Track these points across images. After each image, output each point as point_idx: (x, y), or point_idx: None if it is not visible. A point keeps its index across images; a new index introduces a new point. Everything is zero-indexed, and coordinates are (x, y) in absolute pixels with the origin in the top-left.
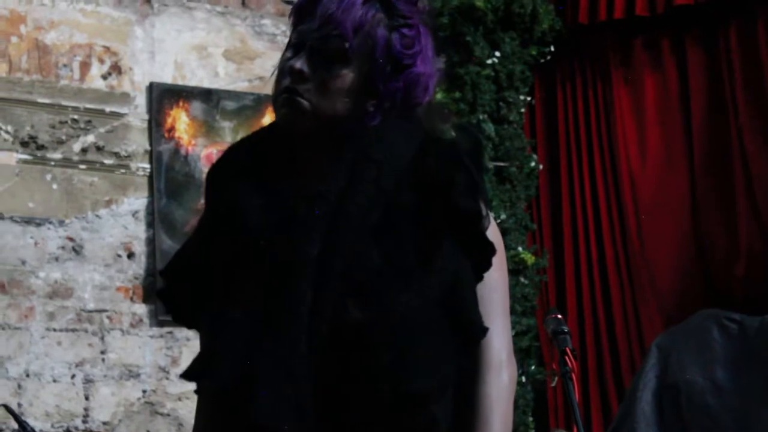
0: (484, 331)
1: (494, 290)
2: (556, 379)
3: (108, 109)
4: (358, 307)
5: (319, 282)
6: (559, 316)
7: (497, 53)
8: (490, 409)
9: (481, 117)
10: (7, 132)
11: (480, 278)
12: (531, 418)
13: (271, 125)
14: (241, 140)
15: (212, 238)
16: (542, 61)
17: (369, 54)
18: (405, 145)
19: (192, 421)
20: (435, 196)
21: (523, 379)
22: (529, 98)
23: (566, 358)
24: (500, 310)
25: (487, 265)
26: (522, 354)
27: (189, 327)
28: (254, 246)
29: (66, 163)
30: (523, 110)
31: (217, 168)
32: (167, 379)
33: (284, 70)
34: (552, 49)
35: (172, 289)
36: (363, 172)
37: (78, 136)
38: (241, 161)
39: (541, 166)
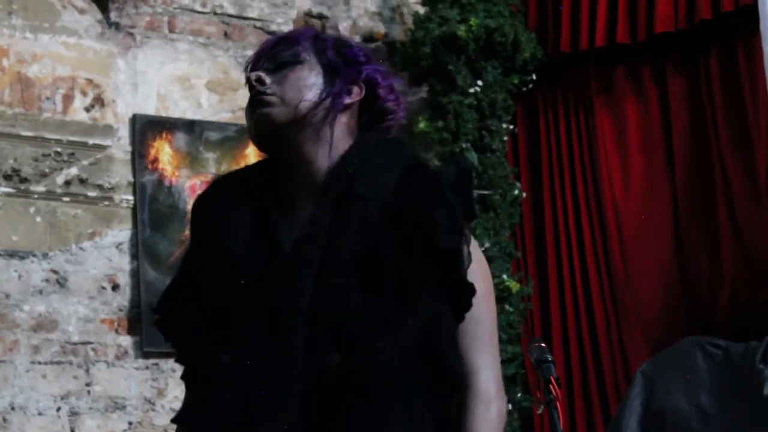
0: (461, 377)
1: (480, 324)
2: (542, 407)
3: (91, 141)
4: (338, 351)
5: (310, 334)
6: (543, 344)
7: (479, 82)
8: None
9: (464, 146)
10: None
11: (461, 318)
12: None
13: (256, 163)
14: (226, 175)
15: (198, 274)
16: (524, 89)
17: (320, 55)
18: (387, 171)
19: None
20: (415, 233)
21: (510, 406)
22: (511, 126)
23: (550, 386)
24: (487, 343)
25: (468, 306)
26: (508, 382)
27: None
28: (241, 287)
29: (49, 195)
30: (505, 138)
31: (200, 203)
32: (153, 410)
33: (248, 82)
34: (534, 77)
35: (167, 324)
36: (348, 208)
37: (61, 169)
38: (225, 197)
39: (524, 194)
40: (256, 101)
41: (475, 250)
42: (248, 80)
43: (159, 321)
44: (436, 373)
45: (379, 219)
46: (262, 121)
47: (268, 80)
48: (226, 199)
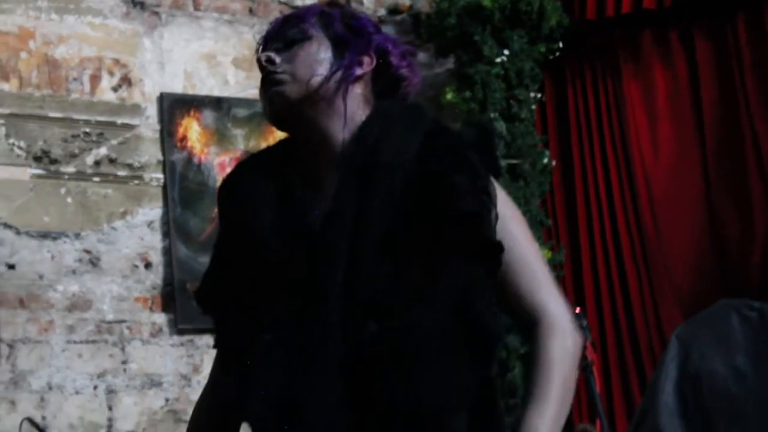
0: (498, 336)
1: (531, 263)
2: (578, 373)
3: (119, 121)
4: (373, 325)
5: (345, 307)
6: (578, 309)
7: (506, 51)
8: (551, 370)
9: (492, 115)
10: (20, 147)
11: (494, 278)
12: None
13: (278, 142)
14: (249, 157)
15: (230, 256)
16: (551, 57)
17: (328, 29)
18: (408, 139)
19: None
20: (438, 201)
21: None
22: (539, 95)
23: (586, 351)
24: (546, 280)
25: (498, 265)
26: None
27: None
28: (271, 265)
29: (80, 176)
30: (533, 107)
31: (226, 186)
32: (189, 386)
33: (259, 63)
34: (560, 45)
35: (206, 298)
36: (373, 178)
37: (90, 149)
38: (249, 178)
39: (553, 162)
40: (268, 81)
41: (505, 203)
42: (259, 62)
43: (198, 296)
44: (473, 333)
45: (402, 187)
46: (276, 100)
47: (278, 59)
48: (250, 179)
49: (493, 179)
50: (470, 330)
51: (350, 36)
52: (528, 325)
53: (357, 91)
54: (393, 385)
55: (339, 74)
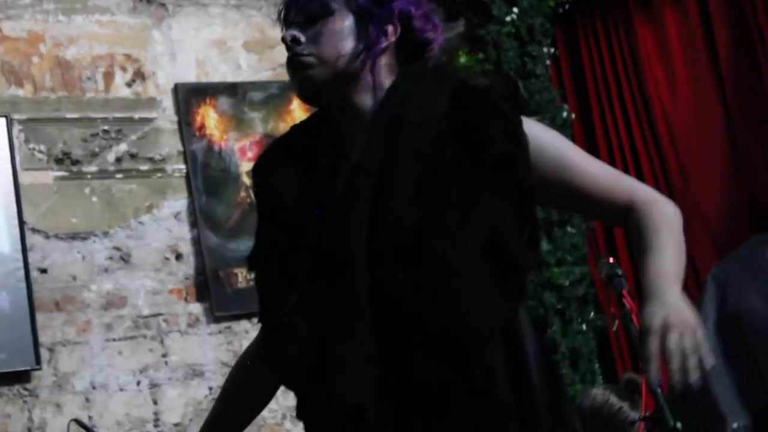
0: (526, 267)
1: (594, 166)
2: (617, 323)
3: (136, 115)
4: (401, 269)
5: (373, 257)
6: (612, 260)
7: (515, 9)
8: (661, 226)
9: (509, 73)
10: (40, 151)
11: (526, 222)
12: (597, 365)
13: (307, 118)
14: (284, 134)
15: (268, 233)
16: (561, 11)
17: (350, 1)
18: (436, 98)
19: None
20: (473, 147)
21: (584, 326)
22: (552, 50)
23: (623, 300)
24: (615, 174)
25: (532, 208)
26: (580, 302)
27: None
28: (301, 230)
29: (102, 174)
30: (548, 63)
31: (259, 162)
32: None
33: (284, 42)
34: None
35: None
36: (400, 136)
37: (111, 146)
38: (281, 152)
39: (573, 115)
40: (295, 63)
41: (545, 130)
42: (284, 40)
43: (248, 263)
44: (502, 265)
45: (434, 143)
46: (306, 84)
47: (302, 38)
48: (280, 154)
49: (524, 119)
50: (499, 262)
51: (372, 6)
52: (622, 217)
53: (383, 61)
54: (423, 318)
55: (366, 52)
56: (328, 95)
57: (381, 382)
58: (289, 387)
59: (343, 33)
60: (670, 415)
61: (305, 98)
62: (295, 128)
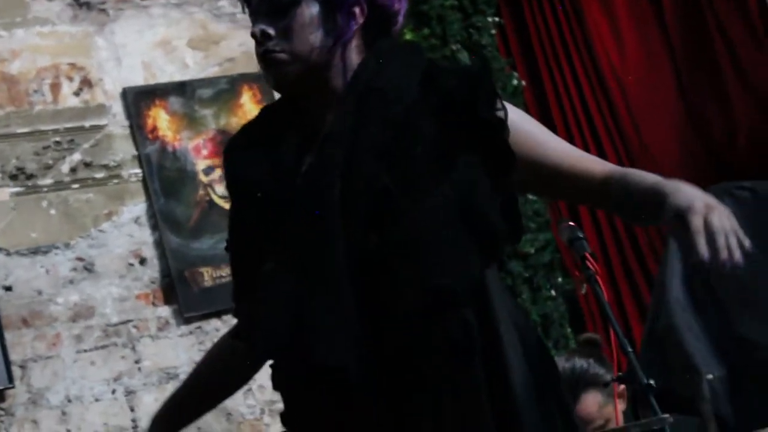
0: (501, 232)
1: (563, 147)
2: (585, 286)
3: (87, 124)
4: (374, 230)
5: (348, 226)
6: (572, 223)
7: None
8: (644, 174)
9: (454, 48)
10: None
11: (502, 189)
12: (569, 329)
13: (279, 99)
14: (254, 117)
15: (238, 211)
16: None
17: None
18: (407, 71)
19: (239, 408)
20: (452, 112)
21: (553, 292)
22: (497, 19)
23: (587, 262)
24: (576, 151)
25: (509, 174)
26: (546, 269)
27: None
28: (272, 204)
29: (58, 186)
30: (494, 32)
31: (228, 146)
32: None
33: (254, 37)
34: None
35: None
36: (369, 105)
37: (64, 157)
38: (250, 135)
39: (523, 83)
40: (268, 60)
41: (523, 115)
42: (253, 35)
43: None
44: (477, 225)
45: (405, 111)
46: (281, 80)
47: (272, 32)
48: (248, 138)
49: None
50: (474, 222)
51: None
52: (600, 193)
53: (353, 44)
54: (397, 276)
55: (337, 41)
56: (304, 86)
57: (361, 343)
58: (267, 355)
59: (312, 25)
60: (642, 372)
61: (280, 91)
62: (265, 110)
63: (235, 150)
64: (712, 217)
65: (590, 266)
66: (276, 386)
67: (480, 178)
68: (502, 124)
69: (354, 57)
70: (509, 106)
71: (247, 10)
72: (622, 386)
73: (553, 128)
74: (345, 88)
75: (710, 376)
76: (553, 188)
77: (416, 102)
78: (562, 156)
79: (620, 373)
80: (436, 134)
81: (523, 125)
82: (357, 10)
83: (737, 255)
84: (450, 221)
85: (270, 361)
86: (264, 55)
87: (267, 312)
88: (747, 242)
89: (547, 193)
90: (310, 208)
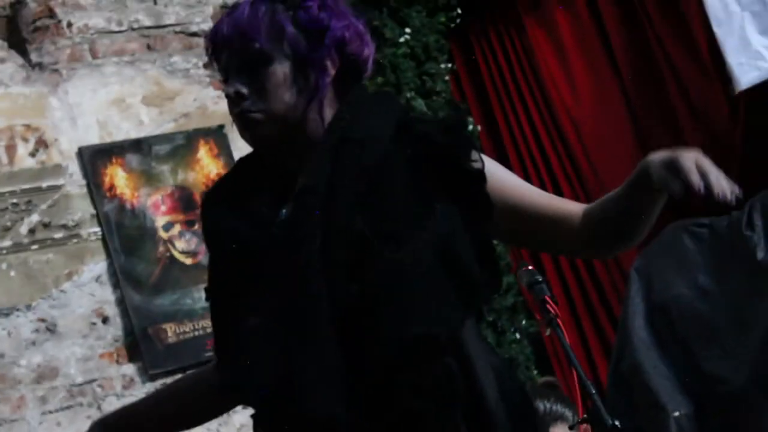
0: (484, 282)
1: (536, 190)
2: (549, 329)
3: (44, 184)
4: (354, 279)
5: (329, 276)
6: (531, 267)
7: (407, 29)
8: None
9: (408, 95)
10: None
11: (479, 238)
12: (536, 371)
13: (253, 151)
14: (230, 169)
15: (216, 262)
16: (452, 26)
17: (283, 41)
18: (382, 120)
19: None
20: (432, 160)
21: (517, 335)
22: (450, 65)
23: (547, 306)
24: (548, 194)
25: (487, 219)
26: (510, 312)
27: None
28: (251, 255)
29: (17, 248)
30: (447, 78)
31: (204, 198)
32: None
33: (228, 98)
34: (459, 11)
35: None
36: (344, 154)
37: (22, 219)
38: (226, 187)
39: (479, 128)
40: (244, 120)
41: (493, 163)
42: (227, 96)
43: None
44: (459, 279)
45: (379, 159)
46: (258, 140)
47: (246, 91)
48: (224, 190)
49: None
50: (454, 271)
51: (308, 47)
52: (576, 232)
53: (328, 96)
54: (379, 324)
55: (312, 99)
56: (281, 143)
57: (348, 392)
58: (254, 405)
59: (286, 83)
60: (607, 414)
61: (258, 149)
62: (240, 162)
63: (211, 202)
64: (701, 159)
65: (551, 309)
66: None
67: (458, 227)
68: (482, 175)
69: (327, 108)
70: (489, 161)
71: (215, 65)
72: (586, 426)
73: (509, 170)
74: (320, 139)
75: (677, 414)
76: (531, 232)
77: (391, 151)
78: (538, 198)
79: (585, 415)
80: (412, 182)
81: (497, 171)
82: (328, 62)
83: (729, 191)
84: (430, 270)
85: (246, 408)
86: (240, 115)
87: (254, 366)
88: (736, 187)
89: (522, 239)
90: (290, 260)
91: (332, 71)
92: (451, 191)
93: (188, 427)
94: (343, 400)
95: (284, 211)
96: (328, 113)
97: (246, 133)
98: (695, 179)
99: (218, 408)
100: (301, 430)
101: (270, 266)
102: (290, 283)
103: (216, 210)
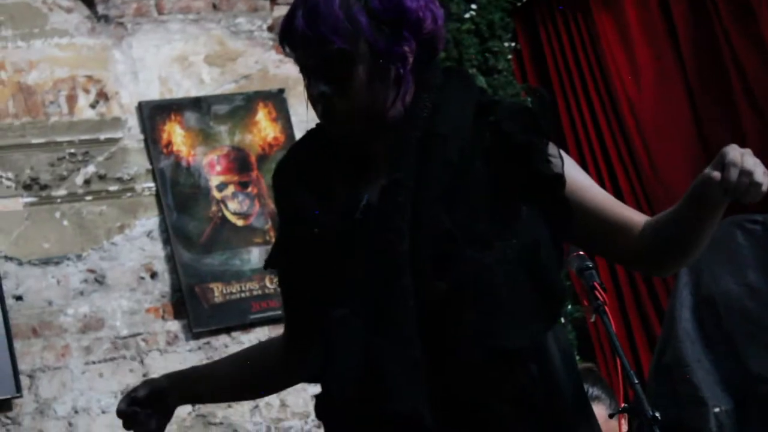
0: (565, 292)
1: (602, 191)
2: (594, 315)
3: (102, 136)
4: (441, 278)
5: (414, 272)
6: (582, 252)
7: (473, 5)
8: None
9: (470, 72)
10: (8, 179)
11: (560, 242)
12: (578, 357)
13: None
14: (301, 140)
15: (293, 242)
16: (519, 5)
17: (361, 38)
18: (462, 108)
19: (245, 425)
20: (512, 160)
21: (562, 320)
22: (513, 44)
23: (596, 292)
24: (615, 200)
25: (568, 229)
26: None
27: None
28: (329, 240)
29: (72, 197)
30: (510, 57)
31: (280, 172)
32: None
33: (311, 98)
34: None
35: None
36: (431, 149)
37: (78, 169)
38: (298, 161)
39: None
40: (330, 120)
41: (570, 161)
42: (311, 97)
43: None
44: (541, 285)
45: (463, 153)
46: (345, 137)
47: (328, 91)
48: (302, 165)
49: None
50: (540, 281)
51: (386, 40)
52: (637, 238)
53: (400, 72)
54: (465, 327)
55: (396, 94)
56: (367, 136)
57: (431, 390)
58: (339, 398)
59: (369, 81)
60: (648, 404)
61: (343, 144)
62: (312, 134)
63: (285, 177)
64: (746, 154)
65: (599, 296)
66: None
67: (543, 234)
68: (560, 180)
69: (408, 94)
70: (567, 159)
71: (289, 53)
72: (622, 416)
73: (566, 152)
74: (403, 126)
75: (717, 410)
76: (591, 235)
77: (472, 141)
78: (605, 202)
79: (626, 404)
80: (493, 177)
81: (571, 172)
82: (407, 50)
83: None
84: (517, 277)
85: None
86: (325, 115)
87: (340, 358)
88: None
89: (579, 240)
90: (378, 252)
91: (411, 58)
92: (531, 191)
93: (251, 397)
94: (427, 398)
95: (365, 197)
96: (408, 97)
97: (332, 130)
98: (732, 174)
99: (284, 382)
100: (385, 424)
101: (356, 256)
102: (378, 277)
103: (292, 188)
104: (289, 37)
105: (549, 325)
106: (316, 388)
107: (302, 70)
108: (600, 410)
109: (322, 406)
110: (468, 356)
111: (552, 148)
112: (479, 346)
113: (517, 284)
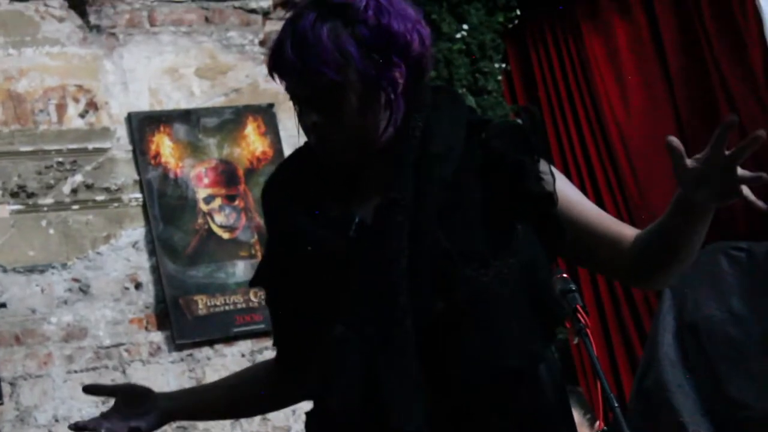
0: (564, 311)
1: (594, 206)
2: (577, 337)
3: (90, 146)
4: (441, 297)
5: (412, 291)
6: (565, 275)
7: (465, 26)
8: None
9: (459, 91)
10: None
11: (554, 259)
12: None
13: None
14: (290, 157)
15: (284, 260)
16: (510, 26)
17: (350, 66)
18: (454, 127)
19: None
20: (504, 179)
21: None
22: (504, 65)
23: (578, 315)
24: (606, 214)
25: (560, 247)
26: None
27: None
28: (322, 259)
29: (58, 206)
30: (500, 78)
31: (269, 190)
32: None
33: (304, 127)
34: (518, 12)
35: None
36: (427, 169)
37: (66, 178)
38: (288, 179)
39: None
40: (323, 149)
41: (562, 177)
42: (304, 127)
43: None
44: (540, 304)
45: (456, 172)
46: (341, 165)
47: (320, 121)
48: (293, 183)
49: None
50: (538, 299)
51: (376, 67)
52: (632, 251)
53: (391, 97)
54: (464, 346)
55: (390, 119)
56: (361, 161)
57: (432, 408)
58: (340, 416)
59: (360, 108)
60: (627, 428)
61: (336, 169)
62: (300, 152)
63: (275, 194)
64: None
65: (581, 319)
66: None
67: (539, 252)
68: (551, 198)
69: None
70: (558, 175)
71: (278, 81)
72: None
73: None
74: (396, 147)
75: None
76: (581, 249)
77: (465, 159)
78: (595, 216)
79: (605, 428)
80: (487, 195)
81: (563, 188)
82: (397, 74)
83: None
84: (515, 296)
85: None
86: (319, 144)
87: (341, 376)
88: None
89: (568, 254)
90: (376, 271)
91: (401, 81)
92: (524, 209)
93: (249, 413)
94: (427, 416)
95: (357, 216)
96: (399, 119)
97: (326, 159)
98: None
99: (280, 402)
100: None
101: (351, 275)
102: (376, 295)
103: (283, 205)
104: (279, 67)
105: (548, 343)
106: (300, 404)
107: (293, 99)
108: None
109: (316, 422)
110: (469, 375)
111: (543, 165)
112: (480, 366)
113: (516, 303)
